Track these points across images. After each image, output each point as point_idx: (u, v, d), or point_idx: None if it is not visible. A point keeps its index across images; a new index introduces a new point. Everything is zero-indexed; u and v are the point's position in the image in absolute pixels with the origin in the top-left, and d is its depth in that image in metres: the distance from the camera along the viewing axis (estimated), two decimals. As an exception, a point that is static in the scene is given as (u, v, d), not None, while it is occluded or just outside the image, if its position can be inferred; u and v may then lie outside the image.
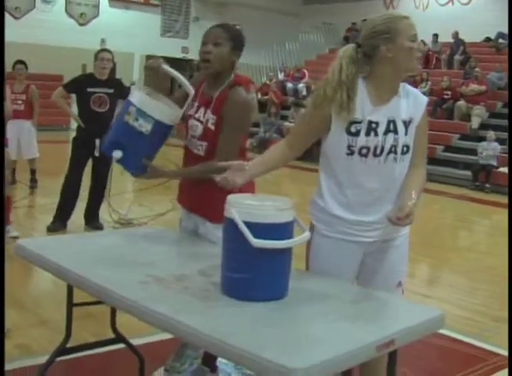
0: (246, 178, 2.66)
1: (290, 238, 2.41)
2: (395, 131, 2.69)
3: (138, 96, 3.18)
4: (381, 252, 2.84)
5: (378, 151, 2.67)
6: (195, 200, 3.29)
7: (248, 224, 2.32)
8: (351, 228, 2.75)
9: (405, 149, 2.71)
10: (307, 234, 2.49)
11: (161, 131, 3.17)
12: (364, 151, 2.66)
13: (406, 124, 2.71)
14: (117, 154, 3.13)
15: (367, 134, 2.66)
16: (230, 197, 2.45)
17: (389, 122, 2.68)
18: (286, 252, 2.42)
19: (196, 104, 3.26)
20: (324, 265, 2.80)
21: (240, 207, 2.37)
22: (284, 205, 2.42)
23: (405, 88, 2.75)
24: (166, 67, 3.25)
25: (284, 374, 1.87)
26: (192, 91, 3.22)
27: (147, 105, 3.12)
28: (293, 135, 2.85)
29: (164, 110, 3.14)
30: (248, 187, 3.12)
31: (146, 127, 3.08)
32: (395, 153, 2.69)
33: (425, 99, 2.79)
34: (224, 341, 2.07)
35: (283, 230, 2.38)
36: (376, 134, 2.67)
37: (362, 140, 2.66)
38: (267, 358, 1.93)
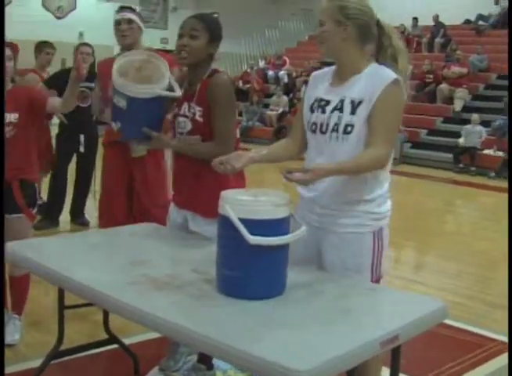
0: (244, 162, 2.66)
1: (286, 234, 2.36)
2: (341, 110, 2.66)
3: (114, 70, 3.17)
4: (332, 244, 2.74)
5: (324, 128, 2.70)
6: (186, 195, 3.23)
7: (243, 221, 2.27)
8: (305, 209, 2.77)
9: (348, 128, 2.64)
10: (303, 229, 2.43)
11: (143, 106, 3.10)
12: (313, 127, 2.73)
13: (355, 103, 2.64)
14: (115, 126, 3.21)
15: (316, 111, 2.73)
16: (224, 193, 2.40)
17: (340, 101, 2.67)
18: (283, 248, 2.37)
19: (177, 103, 3.21)
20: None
21: (235, 204, 2.31)
22: (280, 200, 2.36)
23: (372, 68, 2.69)
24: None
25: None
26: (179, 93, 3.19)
27: (117, 82, 3.13)
28: (292, 124, 2.92)
29: (133, 87, 3.09)
30: (239, 182, 3.09)
31: (122, 102, 3.10)
32: (337, 131, 2.66)
33: (387, 79, 2.61)
34: (221, 342, 2.02)
35: (279, 226, 2.33)
36: (323, 111, 2.71)
37: (313, 116, 2.74)
38: (268, 360, 1.87)
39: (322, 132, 2.70)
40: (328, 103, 2.70)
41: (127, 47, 4.33)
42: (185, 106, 3.15)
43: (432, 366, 3.82)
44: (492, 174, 12.61)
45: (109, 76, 4.26)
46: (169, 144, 3.24)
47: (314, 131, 2.74)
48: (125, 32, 4.37)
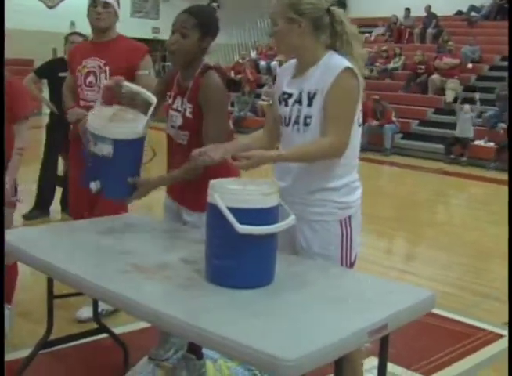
0: (221, 153, 2.72)
1: (275, 223, 2.35)
2: (300, 102, 2.71)
3: (89, 121, 3.03)
4: (301, 231, 2.77)
5: (287, 121, 2.76)
6: (179, 191, 3.23)
7: (232, 209, 2.26)
8: (281, 197, 2.74)
9: (307, 120, 2.68)
10: (292, 218, 2.43)
11: (129, 148, 2.99)
12: (280, 120, 2.80)
13: (310, 95, 2.67)
14: (94, 186, 2.96)
15: (281, 104, 2.79)
16: (213, 182, 2.39)
17: (299, 94, 2.71)
18: (272, 237, 2.37)
19: (172, 94, 3.19)
20: None
21: (224, 193, 2.31)
22: (269, 189, 2.36)
23: (326, 58, 2.69)
24: (126, 84, 3.17)
25: (276, 365, 1.82)
26: (154, 100, 3.10)
27: (98, 127, 2.97)
28: (266, 116, 2.95)
29: (116, 128, 2.95)
30: (233, 171, 3.08)
31: (107, 149, 2.91)
32: (298, 123, 2.71)
33: (338, 68, 2.61)
34: (211, 331, 2.01)
35: (268, 215, 2.32)
36: (286, 104, 2.76)
37: (280, 110, 2.80)
38: (257, 349, 1.87)
39: (286, 125, 2.76)
40: (290, 96, 2.75)
41: (101, 31, 4.15)
42: (179, 100, 3.15)
43: (421, 356, 3.83)
44: (492, 164, 12.51)
45: (78, 60, 4.10)
46: (155, 185, 3.16)
47: (281, 124, 2.80)
48: (101, 15, 4.08)
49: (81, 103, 4.08)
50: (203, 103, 3.04)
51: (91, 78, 4.00)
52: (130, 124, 3.01)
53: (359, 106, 2.70)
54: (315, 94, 2.66)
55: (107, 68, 4.00)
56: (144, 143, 3.10)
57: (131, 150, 2.98)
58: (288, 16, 2.64)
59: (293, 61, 2.84)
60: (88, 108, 3.67)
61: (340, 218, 2.74)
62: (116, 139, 2.89)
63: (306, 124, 2.68)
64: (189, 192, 3.14)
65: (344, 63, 2.63)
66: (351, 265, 2.81)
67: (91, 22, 4.16)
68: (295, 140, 2.72)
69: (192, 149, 2.92)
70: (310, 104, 2.67)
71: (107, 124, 2.95)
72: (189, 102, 3.09)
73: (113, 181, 2.94)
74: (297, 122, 2.71)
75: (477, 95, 13.88)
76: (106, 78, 3.95)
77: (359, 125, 2.74)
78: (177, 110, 3.15)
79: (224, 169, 2.97)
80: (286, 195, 2.75)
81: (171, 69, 3.35)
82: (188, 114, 3.10)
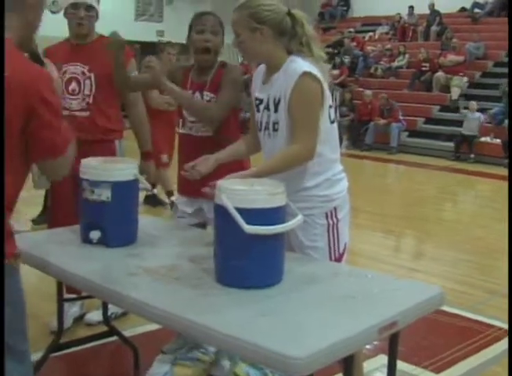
0: (209, 165, 2.81)
1: (282, 223, 2.36)
2: (268, 109, 2.77)
3: (83, 169, 2.89)
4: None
5: (259, 126, 2.85)
6: (200, 183, 3.23)
7: (240, 210, 2.27)
8: None
9: (276, 126, 2.76)
10: (300, 218, 2.44)
11: (127, 190, 2.92)
12: (255, 125, 2.89)
13: (275, 101, 2.73)
14: (95, 235, 2.85)
15: (255, 109, 2.86)
16: (220, 183, 2.40)
17: (267, 99, 2.77)
18: (280, 237, 2.38)
19: (191, 92, 3.32)
20: None
21: (231, 193, 2.31)
22: (276, 189, 2.37)
23: (286, 64, 2.72)
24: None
25: (286, 363, 1.83)
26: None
27: (95, 173, 2.86)
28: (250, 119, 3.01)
29: (114, 171, 2.88)
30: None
31: (105, 194, 2.81)
32: (268, 129, 2.80)
33: (297, 74, 2.64)
34: (221, 331, 2.02)
35: (275, 215, 2.33)
36: (258, 110, 2.84)
37: (255, 115, 2.88)
38: (267, 348, 1.88)
39: (259, 130, 2.84)
40: (261, 101, 2.82)
41: (81, 38, 3.82)
42: (198, 95, 3.29)
43: (431, 354, 3.82)
44: (505, 161, 12.07)
45: (58, 66, 3.84)
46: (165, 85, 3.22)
47: (257, 129, 2.88)
48: (83, 20, 3.73)
49: (65, 112, 3.54)
50: (224, 81, 3.23)
51: (73, 86, 3.76)
52: (124, 166, 2.97)
53: (327, 105, 2.73)
54: (279, 100, 2.71)
55: (92, 74, 3.76)
56: (139, 185, 3.03)
57: (129, 192, 2.94)
58: (250, 26, 2.68)
59: (263, 66, 2.89)
60: (73, 117, 3.61)
61: (326, 210, 2.81)
62: (115, 181, 2.83)
63: (275, 130, 2.76)
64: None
65: (303, 67, 2.65)
66: (341, 256, 2.86)
67: (72, 28, 3.83)
68: (267, 145, 2.82)
69: (220, 135, 3.19)
70: (276, 110, 2.73)
71: (102, 170, 2.89)
72: (211, 92, 3.26)
73: (114, 226, 2.85)
74: (267, 128, 2.79)
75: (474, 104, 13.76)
76: (91, 85, 3.75)
77: (332, 122, 2.78)
78: None
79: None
80: None
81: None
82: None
